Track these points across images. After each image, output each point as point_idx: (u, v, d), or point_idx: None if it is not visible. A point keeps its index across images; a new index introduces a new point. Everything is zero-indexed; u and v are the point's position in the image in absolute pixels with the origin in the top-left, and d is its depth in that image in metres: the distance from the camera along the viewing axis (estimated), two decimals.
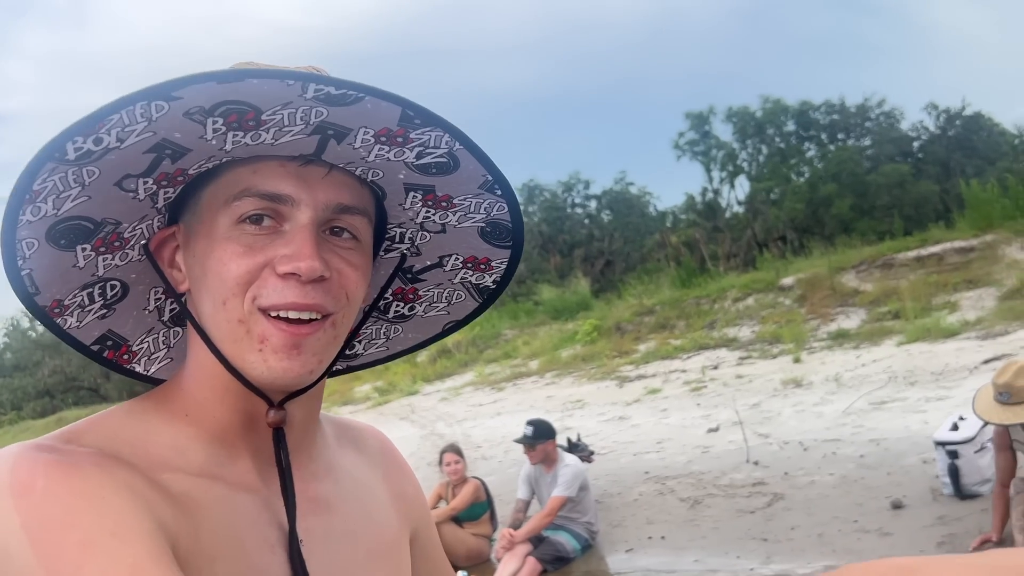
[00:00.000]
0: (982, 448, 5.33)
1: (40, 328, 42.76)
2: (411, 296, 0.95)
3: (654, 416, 9.94)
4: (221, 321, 0.73)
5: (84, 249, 0.75)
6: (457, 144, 0.75)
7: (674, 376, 11.92)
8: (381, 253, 0.89)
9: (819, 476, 6.49)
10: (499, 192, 0.81)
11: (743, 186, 29.73)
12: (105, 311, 0.82)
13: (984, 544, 4.62)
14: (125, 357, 0.88)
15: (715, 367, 11.85)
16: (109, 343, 0.86)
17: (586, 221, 32.85)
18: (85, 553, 0.58)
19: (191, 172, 0.74)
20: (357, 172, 0.78)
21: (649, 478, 7.46)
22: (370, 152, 0.75)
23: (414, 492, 1.04)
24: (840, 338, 11.49)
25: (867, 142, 29.08)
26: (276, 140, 0.71)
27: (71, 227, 0.73)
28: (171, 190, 0.76)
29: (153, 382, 0.90)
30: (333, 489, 0.87)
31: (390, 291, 0.93)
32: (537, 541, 5.85)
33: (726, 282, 16.27)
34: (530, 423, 6.16)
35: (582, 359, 14.77)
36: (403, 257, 0.91)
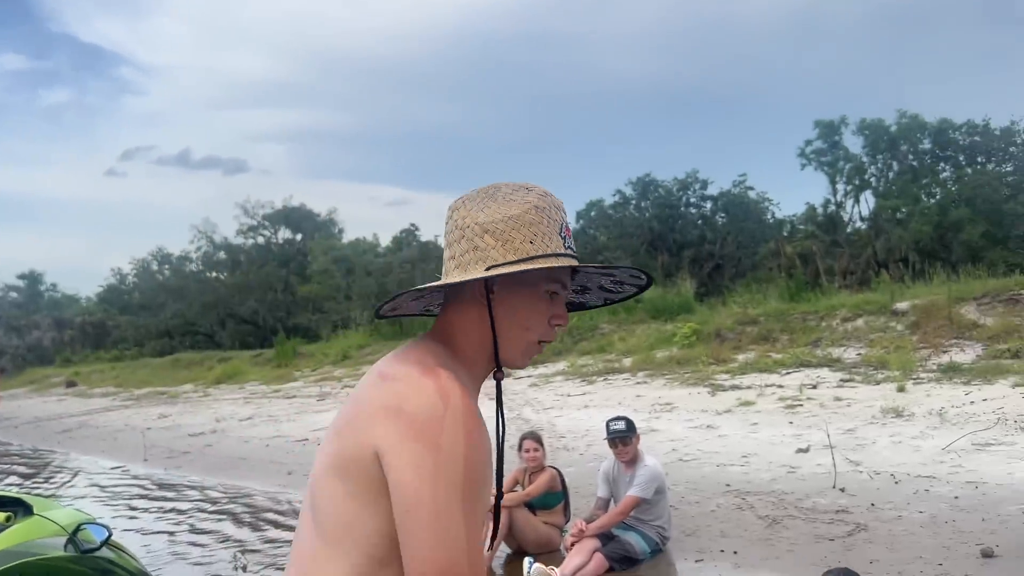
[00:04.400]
0: None
1: (167, 272, 45.30)
2: None
3: (743, 429, 9.77)
4: (520, 338, 1.30)
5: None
6: (642, 275, 1.37)
7: (769, 391, 11.66)
8: None
9: (907, 512, 6.26)
10: (643, 282, 1.41)
11: (868, 202, 28.53)
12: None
13: None
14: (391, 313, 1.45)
15: (814, 386, 11.52)
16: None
17: (699, 222, 32.22)
18: (481, 473, 1.15)
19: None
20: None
21: (729, 491, 7.36)
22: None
23: None
24: (951, 372, 10.96)
25: (1009, 168, 27.38)
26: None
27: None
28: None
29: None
30: None
31: None
32: (607, 538, 5.84)
33: (837, 300, 15.72)
34: (620, 418, 6.12)
35: (677, 362, 14.60)
36: None
